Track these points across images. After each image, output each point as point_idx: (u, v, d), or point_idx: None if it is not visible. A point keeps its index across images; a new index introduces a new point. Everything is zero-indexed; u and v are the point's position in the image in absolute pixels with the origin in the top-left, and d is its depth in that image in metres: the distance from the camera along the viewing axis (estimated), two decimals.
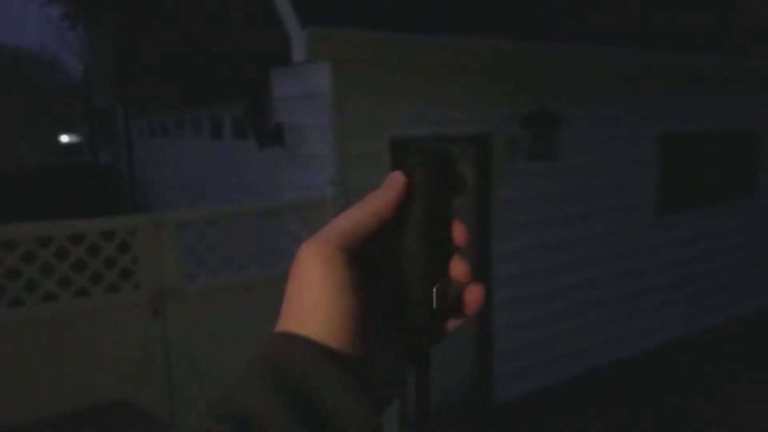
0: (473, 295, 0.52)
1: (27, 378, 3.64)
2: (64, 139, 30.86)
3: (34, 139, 29.88)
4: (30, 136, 29.71)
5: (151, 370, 4.02)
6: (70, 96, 28.31)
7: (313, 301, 0.47)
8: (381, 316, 0.50)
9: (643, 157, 6.57)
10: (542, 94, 5.28)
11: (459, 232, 0.53)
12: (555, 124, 5.22)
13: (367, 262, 0.49)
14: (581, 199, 6.03)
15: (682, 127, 6.84)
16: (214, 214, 4.55)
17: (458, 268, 0.52)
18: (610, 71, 6.02)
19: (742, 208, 7.79)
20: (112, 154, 18.48)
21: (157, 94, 9.40)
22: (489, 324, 5.60)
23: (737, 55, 6.88)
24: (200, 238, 4.24)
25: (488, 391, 5.70)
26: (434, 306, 0.51)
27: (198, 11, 7.49)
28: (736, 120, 7.50)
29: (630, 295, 6.64)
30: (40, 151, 29.09)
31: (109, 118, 14.92)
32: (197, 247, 4.23)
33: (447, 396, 5.44)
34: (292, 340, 0.45)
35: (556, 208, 5.85)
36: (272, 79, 5.26)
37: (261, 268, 4.47)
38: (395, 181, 0.51)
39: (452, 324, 0.53)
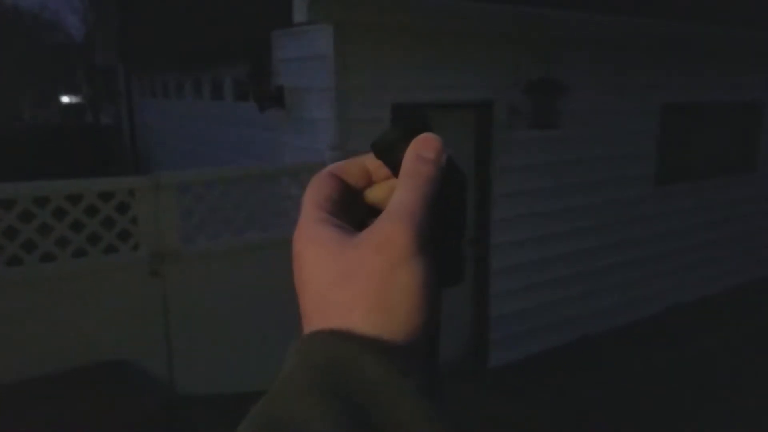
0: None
1: (26, 336, 3.67)
2: (65, 99, 30.69)
3: (34, 99, 29.72)
4: (30, 97, 29.55)
5: (150, 330, 4.05)
6: (70, 56, 28.09)
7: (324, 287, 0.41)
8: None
9: (646, 128, 6.53)
10: (546, 62, 5.23)
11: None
12: (557, 93, 5.18)
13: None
14: (581, 169, 6.01)
15: (685, 98, 6.79)
16: (214, 176, 4.54)
17: None
18: (614, 40, 5.94)
19: (742, 180, 7.77)
20: (113, 114, 18.39)
21: (159, 55, 9.32)
22: (486, 290, 5.62)
23: (743, 26, 6.79)
24: (200, 201, 4.24)
25: (483, 356, 5.75)
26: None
27: None
28: (739, 92, 7.44)
29: (627, 263, 6.65)
30: (40, 112, 28.96)
31: (110, 78, 14.81)
32: (197, 209, 4.23)
33: (442, 361, 5.48)
34: (350, 340, 0.38)
35: (556, 176, 5.83)
36: (274, 41, 5.20)
37: (260, 232, 4.48)
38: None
39: None
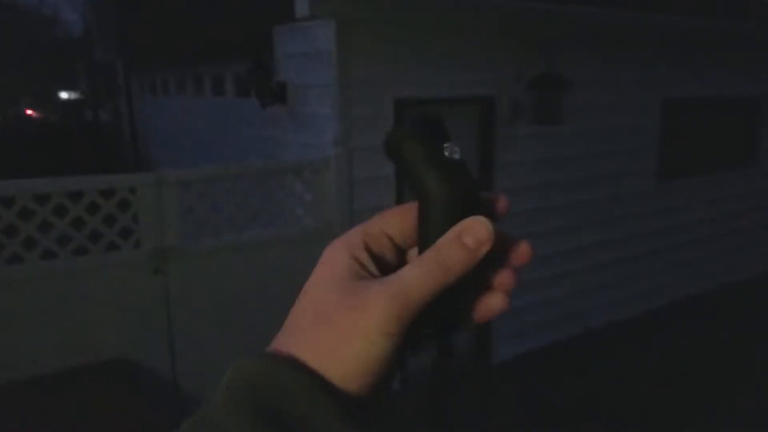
0: (521, 249, 0.47)
1: (27, 335, 3.65)
2: (64, 95, 30.59)
3: (33, 95, 29.63)
4: (29, 93, 29.45)
5: (153, 328, 4.03)
6: (69, 52, 28.00)
7: (306, 313, 0.45)
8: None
9: (646, 123, 6.52)
10: (548, 57, 5.20)
11: (498, 202, 0.49)
12: (560, 88, 5.16)
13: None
14: (583, 164, 5.99)
15: (685, 93, 6.77)
16: (216, 173, 4.51)
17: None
18: (616, 35, 5.92)
19: (743, 174, 7.75)
20: (112, 111, 18.34)
21: (159, 51, 9.28)
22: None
23: (743, 21, 6.77)
24: (202, 198, 4.21)
25: (488, 351, 5.73)
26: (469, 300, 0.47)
27: None
28: (740, 86, 7.42)
29: (629, 259, 6.64)
30: (39, 108, 28.88)
31: (109, 74, 14.77)
32: (199, 206, 4.21)
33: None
34: (280, 363, 0.42)
35: (558, 172, 5.81)
36: (275, 36, 5.17)
37: (263, 229, 4.45)
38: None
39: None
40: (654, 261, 6.88)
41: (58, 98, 30.66)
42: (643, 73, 6.31)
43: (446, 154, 0.45)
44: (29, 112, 27.09)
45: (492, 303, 0.47)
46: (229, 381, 0.41)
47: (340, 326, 0.42)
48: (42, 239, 3.65)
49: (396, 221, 0.47)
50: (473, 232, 0.43)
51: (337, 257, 0.45)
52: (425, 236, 0.45)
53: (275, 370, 0.41)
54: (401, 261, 0.47)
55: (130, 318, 3.95)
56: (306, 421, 0.39)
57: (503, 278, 0.47)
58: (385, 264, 0.46)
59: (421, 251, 0.45)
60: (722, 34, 6.75)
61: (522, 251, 0.47)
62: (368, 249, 0.46)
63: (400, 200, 4.89)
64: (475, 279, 0.45)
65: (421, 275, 0.42)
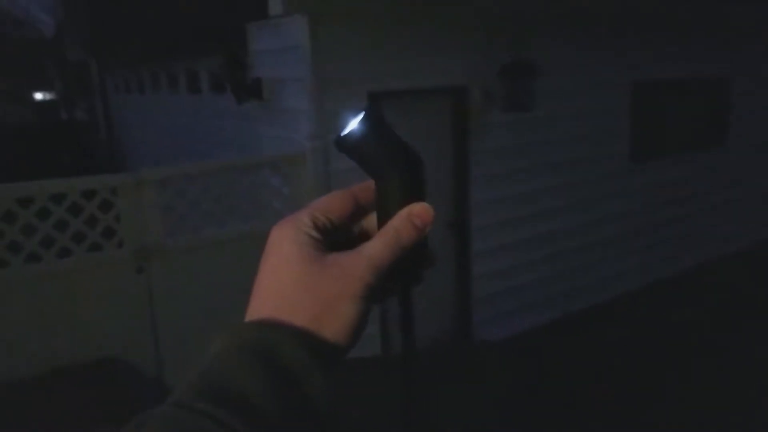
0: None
1: (12, 337, 3.69)
2: (38, 96, 30.19)
3: (7, 97, 29.22)
4: (3, 95, 29.05)
5: (137, 326, 4.09)
6: (42, 52, 27.63)
7: (285, 286, 0.52)
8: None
9: (617, 106, 6.63)
10: (517, 44, 5.29)
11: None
12: (530, 75, 5.25)
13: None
14: (557, 149, 6.10)
15: (655, 74, 6.88)
16: (194, 170, 4.56)
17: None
18: (584, 18, 6.02)
19: (713, 155, 7.90)
20: (87, 110, 18.18)
21: (132, 49, 9.25)
22: (467, 272, 5.71)
23: (712, 1, 6.89)
24: (181, 195, 4.27)
25: (467, 336, 5.85)
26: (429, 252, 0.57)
27: None
28: (708, 67, 7.55)
29: (606, 241, 6.77)
30: (13, 110, 28.47)
31: (83, 74, 14.66)
32: (178, 203, 4.26)
33: (426, 342, 5.57)
34: (278, 329, 0.49)
35: (533, 157, 5.91)
36: (249, 32, 5.21)
37: (242, 223, 4.51)
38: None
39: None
40: (630, 242, 7.01)
41: (33, 99, 30.24)
42: (613, 56, 6.40)
43: (398, 145, 0.55)
44: None
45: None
46: (228, 346, 0.48)
47: (329, 293, 0.50)
48: (26, 242, 3.69)
49: (337, 204, 0.57)
50: (421, 216, 0.55)
51: (294, 236, 0.53)
52: (384, 215, 0.55)
53: (278, 336, 0.48)
54: (339, 236, 0.57)
55: (116, 317, 4.00)
56: (294, 370, 0.47)
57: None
58: (328, 239, 0.55)
59: (380, 227, 0.55)
60: (691, 15, 6.87)
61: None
62: (316, 228, 0.54)
63: None
64: (420, 246, 0.56)
65: (385, 248, 0.53)
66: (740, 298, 6.85)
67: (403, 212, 0.54)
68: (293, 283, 0.51)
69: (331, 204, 0.56)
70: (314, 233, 0.53)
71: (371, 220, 0.58)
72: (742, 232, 8.38)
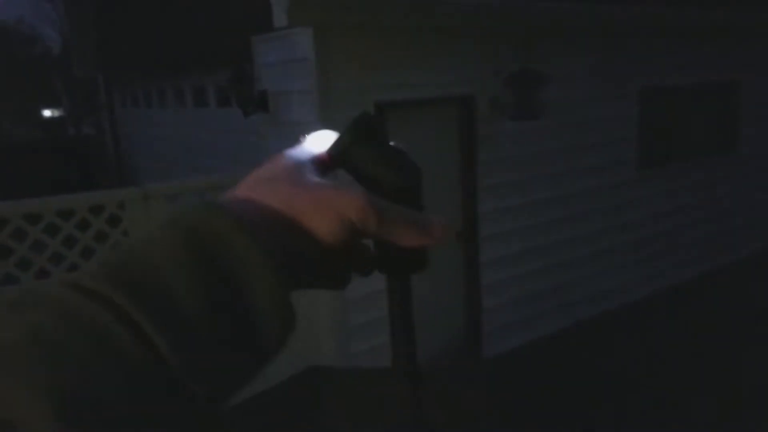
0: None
1: None
2: (46, 113, 30.41)
3: (15, 114, 29.43)
4: (11, 112, 29.26)
5: None
6: (50, 69, 27.85)
7: (276, 174, 0.46)
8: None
9: (625, 113, 6.61)
10: (525, 52, 5.28)
11: None
12: (538, 84, 5.24)
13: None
14: (565, 157, 6.07)
15: (662, 81, 6.86)
16: (202, 184, 4.57)
17: None
18: (590, 26, 6.01)
19: (724, 160, 7.86)
20: (95, 126, 18.29)
21: (139, 65, 9.30)
22: (477, 282, 5.68)
23: (719, 6, 6.87)
24: None
25: (477, 348, 5.81)
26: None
27: None
28: (716, 72, 7.53)
29: (615, 248, 6.74)
30: (22, 127, 28.68)
31: (90, 90, 14.75)
32: None
33: (435, 353, 5.54)
34: (231, 214, 0.39)
35: (540, 166, 5.89)
36: (254, 46, 5.22)
37: None
38: None
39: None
40: (640, 250, 6.97)
41: (41, 115, 30.47)
42: (620, 62, 6.40)
43: (389, 148, 0.52)
44: None
45: None
46: (165, 227, 0.39)
47: (318, 196, 0.44)
48: (36, 259, 3.68)
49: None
50: (439, 232, 0.48)
51: (296, 157, 0.48)
52: None
53: (229, 223, 0.39)
54: None
55: None
56: (238, 271, 0.38)
57: None
58: None
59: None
60: (699, 21, 6.86)
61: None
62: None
63: None
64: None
65: (394, 210, 0.46)
66: (753, 304, 6.79)
67: (429, 215, 0.48)
68: (289, 177, 0.45)
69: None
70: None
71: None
72: (755, 238, 8.33)
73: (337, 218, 0.43)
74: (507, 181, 5.68)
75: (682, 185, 7.33)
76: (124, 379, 0.33)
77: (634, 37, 6.42)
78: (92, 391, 0.31)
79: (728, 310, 6.68)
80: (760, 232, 8.42)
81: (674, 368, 5.49)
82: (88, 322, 0.33)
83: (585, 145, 6.24)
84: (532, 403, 5.02)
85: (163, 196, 4.08)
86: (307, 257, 0.44)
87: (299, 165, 0.47)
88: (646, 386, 5.22)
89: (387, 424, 3.83)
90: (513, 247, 5.85)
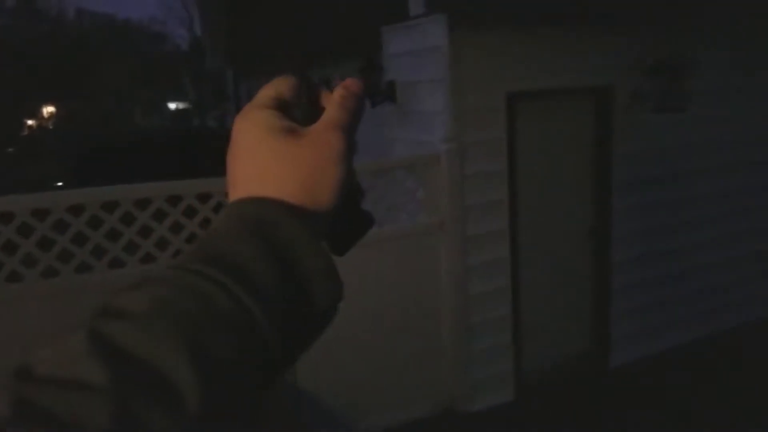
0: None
1: None
2: (172, 106, 32.15)
3: (145, 106, 31.27)
4: (141, 104, 31.11)
5: None
6: (178, 64, 29.37)
7: (267, 162, 0.52)
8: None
9: None
10: (669, 39, 4.98)
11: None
12: (682, 73, 4.91)
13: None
14: (707, 153, 5.67)
15: None
16: None
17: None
18: (737, 13, 5.56)
19: None
20: (219, 118, 19.04)
21: (267, 57, 9.54)
22: (606, 285, 5.40)
23: None
24: None
25: (604, 355, 5.52)
26: None
27: None
28: None
29: (757, 254, 6.23)
30: (151, 118, 30.44)
31: (218, 82, 15.35)
32: None
33: (561, 360, 5.30)
34: (274, 206, 0.50)
35: (681, 162, 5.53)
36: (384, 36, 5.19)
37: (376, 226, 4.46)
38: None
39: None
40: None
41: (168, 108, 32.20)
42: None
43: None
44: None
45: None
46: (227, 220, 0.49)
47: (311, 161, 0.52)
48: (110, 247, 3.64)
49: (284, 85, 0.57)
50: (352, 84, 0.59)
51: (261, 117, 0.54)
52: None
53: (276, 212, 0.49)
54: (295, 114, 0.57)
55: None
56: (293, 248, 0.47)
57: None
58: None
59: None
60: None
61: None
62: (278, 108, 0.55)
63: (513, 195, 4.79)
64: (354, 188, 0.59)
65: (339, 110, 0.56)
66: None
67: (336, 90, 0.58)
68: (274, 159, 0.52)
69: (280, 85, 0.57)
70: (277, 112, 0.54)
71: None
72: None
73: (334, 161, 0.53)
74: (643, 178, 5.36)
75: None
76: (233, 337, 0.42)
77: None
78: (212, 342, 0.41)
79: None
80: None
81: None
82: (200, 294, 0.42)
83: (729, 142, 5.78)
84: (659, 417, 4.73)
85: None
86: (323, 226, 0.53)
87: (276, 135, 0.53)
88: None
89: None
90: (646, 247, 5.52)
